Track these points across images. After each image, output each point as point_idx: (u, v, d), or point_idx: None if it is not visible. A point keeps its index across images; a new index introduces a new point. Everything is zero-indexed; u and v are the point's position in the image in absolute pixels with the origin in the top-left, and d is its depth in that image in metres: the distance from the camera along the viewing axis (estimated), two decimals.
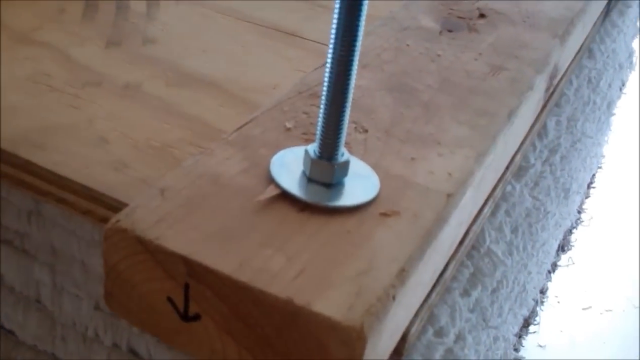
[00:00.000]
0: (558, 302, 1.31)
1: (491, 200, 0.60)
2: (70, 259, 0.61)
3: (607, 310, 1.32)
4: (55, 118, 0.60)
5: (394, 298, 0.41)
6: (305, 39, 0.76)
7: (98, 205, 0.54)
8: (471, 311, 0.64)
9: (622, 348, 1.26)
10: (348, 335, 0.38)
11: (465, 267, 0.59)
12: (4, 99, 0.61)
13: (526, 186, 0.73)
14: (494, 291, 0.71)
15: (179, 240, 0.42)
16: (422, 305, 0.50)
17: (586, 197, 1.48)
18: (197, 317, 0.42)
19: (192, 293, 0.42)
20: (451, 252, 0.52)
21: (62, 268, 0.62)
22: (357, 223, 0.45)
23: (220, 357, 0.43)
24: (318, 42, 0.75)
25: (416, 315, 0.49)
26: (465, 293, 0.60)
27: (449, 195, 0.48)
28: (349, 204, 0.46)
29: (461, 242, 0.55)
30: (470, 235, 0.57)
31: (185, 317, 0.42)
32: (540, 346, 1.22)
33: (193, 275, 0.41)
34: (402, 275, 0.42)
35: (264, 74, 0.69)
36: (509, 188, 0.68)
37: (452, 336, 0.58)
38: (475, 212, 0.56)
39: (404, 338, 0.48)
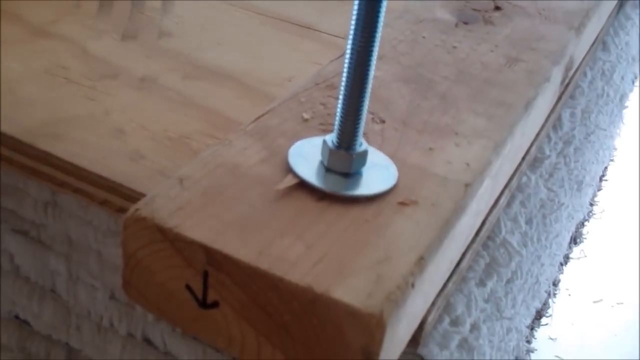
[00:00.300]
0: (569, 295, 1.31)
1: (507, 190, 0.60)
2: (86, 249, 0.61)
3: (618, 304, 1.32)
4: (72, 110, 0.60)
5: (412, 286, 0.41)
6: (320, 31, 0.76)
7: (115, 196, 0.54)
8: (486, 301, 0.64)
9: (634, 341, 1.25)
10: (367, 322, 0.38)
11: (481, 257, 0.59)
12: (21, 91, 0.61)
13: (541, 177, 0.73)
14: (508, 282, 0.71)
15: (198, 228, 0.42)
16: (439, 294, 0.50)
17: (598, 190, 1.47)
18: (215, 305, 0.42)
19: (211, 281, 0.42)
20: (468, 241, 0.52)
21: (78, 258, 0.62)
22: (376, 212, 0.45)
23: (239, 345, 0.43)
24: (333, 35, 0.75)
25: (433, 304, 0.49)
26: (481, 283, 0.60)
27: (467, 185, 0.48)
28: (367, 193, 0.46)
29: (477, 232, 0.55)
30: (487, 225, 0.57)
31: (204, 304, 0.43)
32: (552, 339, 1.22)
33: (212, 263, 0.41)
34: (421, 263, 0.42)
35: (279, 66, 0.69)
36: (524, 179, 0.68)
37: (467, 326, 0.58)
38: (491, 202, 0.56)
39: (421, 326, 0.48)
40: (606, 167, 1.51)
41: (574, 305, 1.29)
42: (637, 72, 1.34)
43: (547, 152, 0.73)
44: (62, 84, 0.63)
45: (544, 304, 1.18)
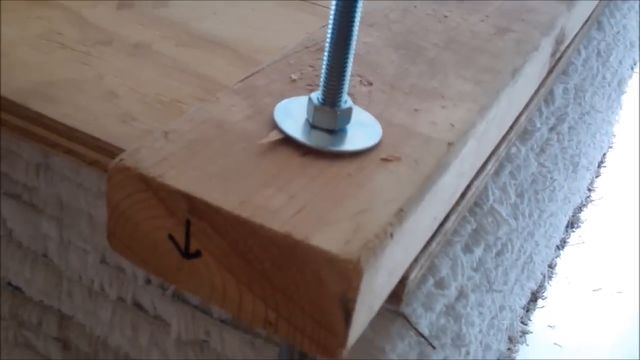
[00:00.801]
0: (569, 283, 1.31)
1: (494, 158, 0.61)
2: (77, 212, 0.62)
3: (617, 292, 1.33)
4: (65, 73, 0.61)
5: (391, 236, 0.41)
6: (316, 4, 0.76)
7: (105, 156, 0.55)
8: (474, 270, 0.65)
9: (632, 330, 1.26)
10: (345, 268, 0.39)
11: (467, 223, 0.60)
12: (15, 55, 0.62)
13: (532, 150, 0.73)
14: (498, 254, 0.72)
15: (181, 178, 0.42)
16: (422, 253, 0.50)
17: (597, 176, 1.48)
18: (197, 254, 0.43)
19: (193, 230, 0.42)
20: (452, 202, 0.52)
21: (69, 221, 0.62)
22: (358, 167, 0.45)
23: (220, 294, 0.43)
24: (328, 8, 0.75)
25: (416, 261, 0.49)
26: (468, 249, 0.60)
27: (450, 144, 0.48)
28: (350, 149, 0.46)
29: (463, 196, 0.55)
30: (473, 190, 0.57)
31: (186, 254, 0.43)
32: (550, 327, 1.23)
33: (194, 212, 0.42)
34: (401, 215, 0.42)
35: (273, 36, 0.70)
36: (513, 150, 0.68)
37: (453, 290, 0.59)
38: (477, 166, 0.56)
39: (403, 282, 0.48)
40: (605, 154, 1.51)
41: (573, 294, 1.29)
42: (636, 58, 1.34)
43: (538, 125, 0.73)
44: (56, 49, 0.64)
45: (540, 286, 1.18)
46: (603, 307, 1.29)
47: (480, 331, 0.74)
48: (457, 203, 0.55)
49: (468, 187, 0.56)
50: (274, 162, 0.45)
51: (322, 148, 0.46)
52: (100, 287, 0.64)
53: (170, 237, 0.43)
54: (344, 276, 0.39)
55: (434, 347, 0.54)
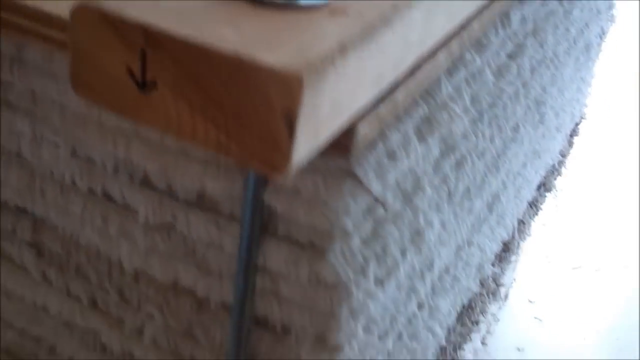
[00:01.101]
0: (549, 262, 1.34)
1: (446, 51, 0.63)
2: (49, 104, 0.64)
3: (596, 270, 1.35)
4: None
5: (333, 63, 0.44)
6: None
7: None
8: (433, 169, 0.68)
9: (611, 306, 1.29)
10: (288, 82, 0.42)
11: (418, 106, 0.62)
12: None
13: (488, 66, 0.76)
14: (458, 165, 0.74)
15: (138, 13, 0.45)
16: (370, 112, 0.53)
17: (570, 145, 1.51)
18: (153, 85, 0.46)
19: (149, 60, 0.45)
20: (399, 69, 0.55)
21: (42, 114, 0.65)
22: (307, 17, 0.48)
23: (175, 124, 0.46)
24: None
25: (364, 117, 0.52)
26: (421, 135, 0.63)
27: (394, 5, 0.51)
28: (301, 3, 0.49)
29: (413, 73, 0.58)
30: (424, 71, 0.60)
31: (143, 85, 0.46)
32: (531, 301, 1.26)
33: (149, 43, 0.45)
34: (343, 49, 0.45)
35: None
36: (468, 57, 0.71)
37: (406, 170, 0.61)
38: (426, 44, 0.58)
39: (351, 132, 0.51)
40: (577, 124, 1.54)
41: (553, 271, 1.32)
42: (605, 29, 1.37)
43: (493, 40, 0.76)
44: None
45: (512, 238, 1.21)
46: (583, 284, 1.32)
47: (440, 242, 0.76)
48: (407, 79, 0.58)
49: (419, 67, 0.59)
50: (226, 8, 0.48)
51: (274, 1, 0.49)
52: (72, 180, 0.67)
53: (129, 71, 0.46)
54: (287, 90, 0.42)
55: (385, 209, 0.57)
